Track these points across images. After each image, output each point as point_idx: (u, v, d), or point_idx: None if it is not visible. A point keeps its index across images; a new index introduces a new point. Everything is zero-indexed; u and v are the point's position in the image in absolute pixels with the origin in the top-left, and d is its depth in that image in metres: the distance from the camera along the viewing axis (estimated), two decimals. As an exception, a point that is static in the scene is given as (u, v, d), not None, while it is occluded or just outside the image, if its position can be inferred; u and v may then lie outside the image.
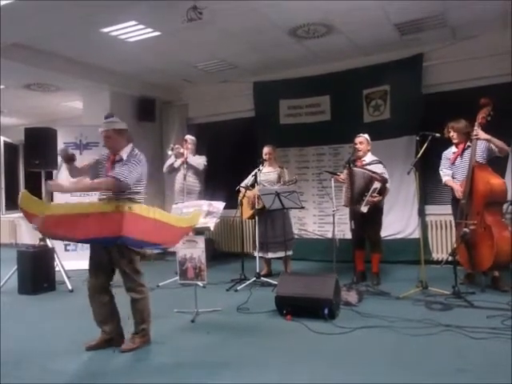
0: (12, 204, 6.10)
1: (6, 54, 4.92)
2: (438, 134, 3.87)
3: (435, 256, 5.31)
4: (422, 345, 2.69)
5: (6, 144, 5.82)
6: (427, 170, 4.76)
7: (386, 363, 2.46)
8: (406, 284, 4.07)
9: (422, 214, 4.88)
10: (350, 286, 3.90)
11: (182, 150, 5.25)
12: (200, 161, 5.35)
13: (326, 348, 2.73)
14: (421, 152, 3.86)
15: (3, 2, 3.74)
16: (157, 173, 6.92)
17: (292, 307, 3.30)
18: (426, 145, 3.86)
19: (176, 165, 5.36)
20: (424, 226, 5.18)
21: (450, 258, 3.87)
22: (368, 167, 4.29)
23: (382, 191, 4.16)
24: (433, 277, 4.06)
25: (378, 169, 4.29)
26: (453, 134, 4.05)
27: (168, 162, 5.45)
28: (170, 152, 5.41)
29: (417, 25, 4.73)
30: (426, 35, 5.02)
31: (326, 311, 3.17)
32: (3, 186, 5.60)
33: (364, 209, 4.10)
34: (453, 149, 4.16)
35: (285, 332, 3.06)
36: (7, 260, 5.00)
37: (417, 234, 5.08)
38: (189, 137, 5.48)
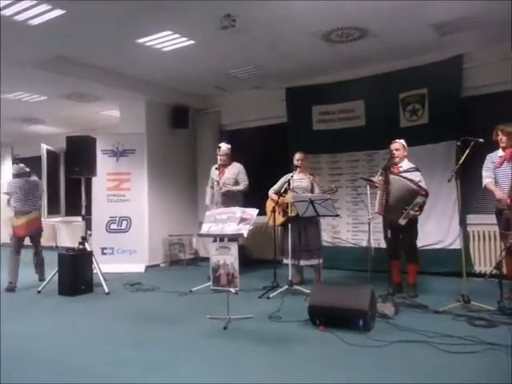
0: (53, 209, 6.36)
1: (47, 67, 5.17)
2: (481, 140, 3.67)
3: (477, 268, 5.05)
4: (463, 363, 2.53)
5: (48, 152, 6.09)
6: (469, 178, 4.55)
7: (424, 381, 2.33)
8: (445, 297, 3.90)
9: (463, 223, 4.64)
10: (386, 297, 3.77)
11: (221, 185, 5.05)
12: (241, 187, 5.24)
13: (361, 362, 2.63)
14: (462, 158, 3.68)
15: (48, 17, 3.95)
16: (190, 179, 7.07)
17: (325, 317, 3.22)
18: (467, 151, 3.68)
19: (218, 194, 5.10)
20: (466, 237, 4.93)
21: (495, 271, 3.64)
22: (404, 174, 4.15)
23: (423, 206, 4.02)
24: (475, 290, 3.83)
25: (415, 176, 4.13)
26: (501, 138, 3.87)
27: (209, 194, 5.38)
28: (208, 189, 5.38)
29: (457, 25, 4.55)
30: (466, 36, 4.81)
31: (361, 323, 3.07)
32: (46, 191, 5.85)
33: (402, 221, 3.99)
34: (499, 152, 3.96)
35: (318, 342, 2.98)
36: (49, 262, 5.21)
37: (457, 245, 4.84)
38: (224, 145, 5.32)
